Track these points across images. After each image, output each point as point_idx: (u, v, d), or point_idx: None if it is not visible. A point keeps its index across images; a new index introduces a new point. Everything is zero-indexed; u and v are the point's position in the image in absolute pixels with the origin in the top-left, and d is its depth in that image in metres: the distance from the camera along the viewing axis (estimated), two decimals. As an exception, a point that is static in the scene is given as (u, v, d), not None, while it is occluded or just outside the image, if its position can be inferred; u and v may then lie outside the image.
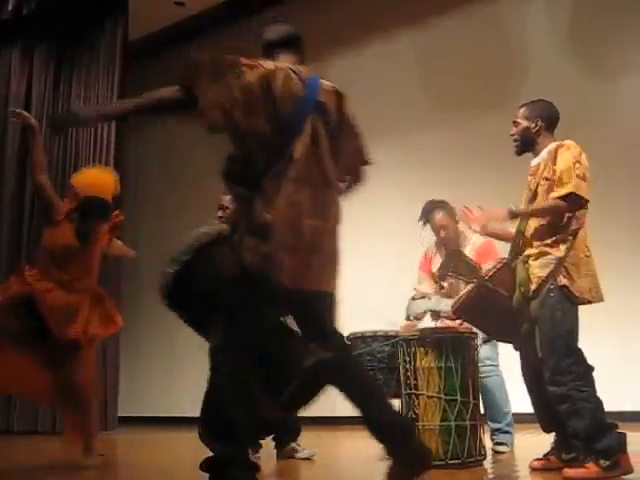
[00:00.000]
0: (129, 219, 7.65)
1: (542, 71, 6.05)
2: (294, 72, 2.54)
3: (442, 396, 3.63)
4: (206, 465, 2.48)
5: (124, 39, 7.75)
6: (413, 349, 3.75)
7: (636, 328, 5.63)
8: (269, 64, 2.52)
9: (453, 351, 3.64)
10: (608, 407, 3.08)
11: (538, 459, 3.44)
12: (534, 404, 3.47)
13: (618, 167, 5.82)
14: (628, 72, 6.14)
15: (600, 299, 3.21)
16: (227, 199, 4.59)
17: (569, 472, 3.06)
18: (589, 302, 3.17)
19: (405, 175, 6.62)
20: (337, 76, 7.73)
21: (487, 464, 3.72)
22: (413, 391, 3.72)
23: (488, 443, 3.98)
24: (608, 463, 2.96)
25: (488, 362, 4.17)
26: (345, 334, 4.17)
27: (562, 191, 3.16)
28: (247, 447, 2.54)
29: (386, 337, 4.04)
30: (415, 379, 3.72)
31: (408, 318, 4.22)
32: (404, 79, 6.95)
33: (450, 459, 3.56)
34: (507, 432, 4.20)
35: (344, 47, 7.63)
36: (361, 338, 4.10)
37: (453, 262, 3.77)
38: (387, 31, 7.31)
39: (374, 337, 4.07)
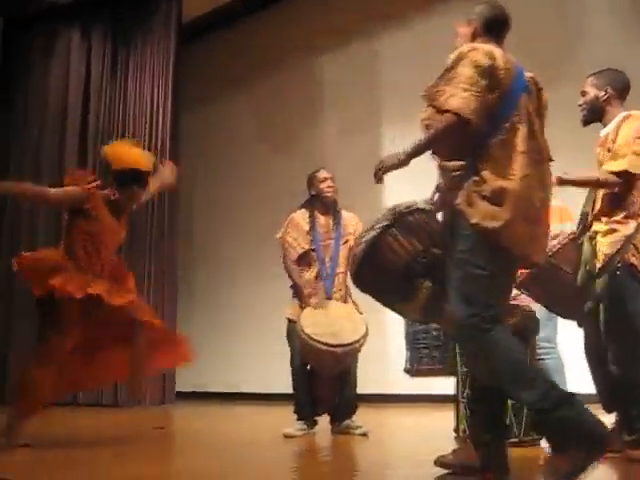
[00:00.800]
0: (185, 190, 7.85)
1: (603, 52, 5.88)
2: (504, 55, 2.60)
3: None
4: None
5: (178, 19, 7.87)
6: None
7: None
8: (489, 47, 2.58)
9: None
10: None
11: None
12: (597, 384, 3.39)
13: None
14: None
15: None
16: (329, 173, 4.63)
17: (634, 453, 2.99)
18: None
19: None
20: (393, 53, 7.76)
21: (544, 443, 3.68)
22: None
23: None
24: None
25: (547, 344, 4.10)
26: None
27: (614, 166, 3.06)
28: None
29: (442, 314, 4.00)
30: (471, 357, 3.68)
31: None
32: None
33: (507, 438, 3.52)
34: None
35: (395, 23, 7.55)
36: (417, 315, 4.06)
37: None
38: (439, 5, 7.20)
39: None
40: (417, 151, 2.55)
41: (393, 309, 2.83)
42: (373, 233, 2.61)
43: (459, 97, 2.42)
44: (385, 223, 2.61)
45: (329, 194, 4.63)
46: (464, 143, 2.51)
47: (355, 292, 4.57)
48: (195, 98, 8.76)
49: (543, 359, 4.07)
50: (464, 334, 2.46)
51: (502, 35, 2.75)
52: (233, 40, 8.89)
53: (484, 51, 2.52)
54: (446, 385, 4.14)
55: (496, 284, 2.46)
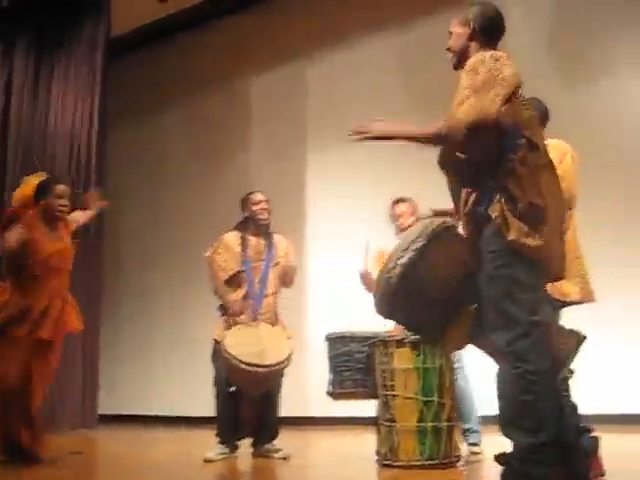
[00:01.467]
0: (111, 215, 7.71)
1: (522, 73, 6.06)
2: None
3: (419, 397, 3.64)
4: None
5: (106, 35, 7.72)
6: (391, 350, 3.76)
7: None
8: (500, 53, 2.52)
9: (430, 352, 3.65)
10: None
11: None
12: None
13: (598, 168, 5.87)
14: (608, 74, 6.17)
15: (591, 299, 3.18)
16: (263, 196, 4.64)
17: None
18: (579, 302, 3.15)
19: (394, 177, 6.60)
20: (319, 74, 7.83)
21: (461, 465, 3.73)
22: (390, 392, 3.73)
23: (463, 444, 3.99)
24: None
25: (457, 364, 4.17)
26: (323, 334, 4.23)
27: None
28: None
29: (364, 338, 4.03)
30: (392, 380, 3.73)
31: None
32: (388, 83, 6.96)
33: (426, 460, 3.57)
34: (477, 431, 4.21)
35: (327, 45, 7.64)
36: (340, 338, 4.08)
37: None
38: (369, 32, 7.33)
39: (352, 338, 4.06)
40: (419, 138, 2.50)
41: (429, 337, 2.76)
42: (409, 255, 2.43)
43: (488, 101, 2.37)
44: (422, 243, 2.44)
45: (263, 217, 4.62)
46: (488, 157, 2.45)
47: (284, 314, 4.61)
48: (123, 116, 8.64)
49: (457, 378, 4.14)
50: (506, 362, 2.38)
51: (500, 37, 2.71)
52: (162, 57, 8.83)
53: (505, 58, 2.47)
54: (368, 408, 4.16)
55: (538, 298, 2.43)
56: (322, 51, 7.68)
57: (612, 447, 3.14)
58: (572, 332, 2.62)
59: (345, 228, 6.53)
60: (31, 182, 4.52)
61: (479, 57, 2.50)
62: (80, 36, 7.72)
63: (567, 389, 2.59)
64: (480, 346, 2.73)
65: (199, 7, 8.28)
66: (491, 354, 2.61)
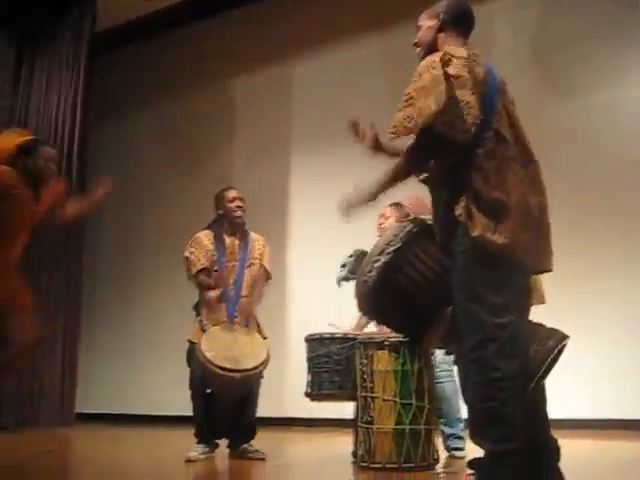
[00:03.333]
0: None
1: (508, 86, 6.10)
2: (473, 54, 2.49)
3: (397, 400, 3.64)
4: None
5: (91, 30, 7.65)
6: (370, 352, 3.75)
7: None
8: (461, 51, 2.46)
9: (410, 355, 3.65)
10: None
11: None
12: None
13: (584, 180, 5.93)
14: (592, 91, 6.24)
15: (542, 302, 3.09)
16: (238, 193, 4.57)
17: None
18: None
19: (372, 175, 6.61)
20: (304, 77, 7.86)
21: (439, 468, 3.74)
22: (369, 394, 3.72)
23: (441, 447, 4.00)
24: None
25: (446, 366, 4.18)
26: (302, 335, 4.23)
27: None
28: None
29: (344, 339, 4.02)
30: (371, 382, 3.72)
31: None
32: (372, 83, 6.98)
33: (404, 463, 3.57)
34: (461, 437, 4.23)
35: (312, 48, 7.66)
36: (319, 340, 4.08)
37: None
38: (354, 34, 7.35)
39: (332, 339, 4.05)
40: (392, 179, 2.51)
41: (408, 337, 2.74)
42: (384, 258, 2.43)
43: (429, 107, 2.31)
44: (398, 245, 2.44)
45: (237, 214, 4.55)
46: (448, 157, 2.43)
47: (259, 314, 4.59)
48: (106, 113, 8.59)
49: (442, 382, 4.16)
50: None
51: (470, 31, 2.66)
52: (147, 55, 8.79)
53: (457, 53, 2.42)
54: (345, 410, 4.17)
55: (506, 298, 2.33)
56: (308, 53, 7.69)
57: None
58: (552, 332, 2.52)
59: (328, 230, 6.53)
60: (12, 137, 4.03)
61: (428, 61, 2.44)
62: (64, 30, 7.65)
63: (542, 391, 2.55)
64: (454, 349, 2.74)
65: (186, 5, 8.24)
66: (457, 358, 2.60)
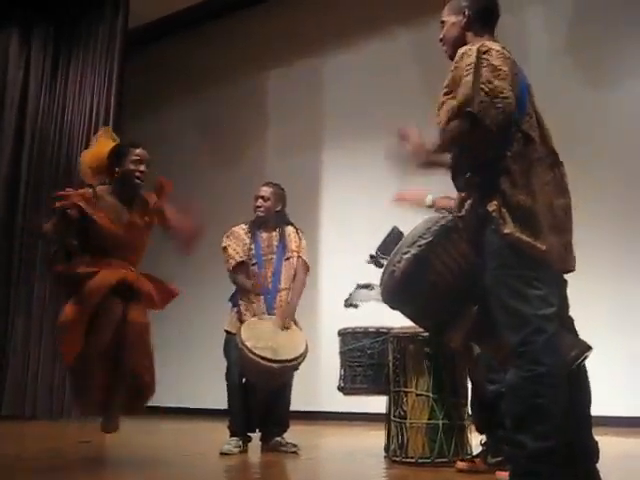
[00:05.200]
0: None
1: (540, 82, 6.03)
2: (507, 51, 2.47)
3: (430, 394, 3.63)
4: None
5: (124, 26, 7.72)
6: (403, 346, 3.75)
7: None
8: (495, 44, 2.43)
9: (444, 350, 3.63)
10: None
11: (463, 460, 3.45)
12: (471, 403, 3.58)
13: (617, 177, 5.84)
14: (625, 80, 6.14)
15: None
16: (265, 190, 4.58)
17: (501, 475, 3.00)
18: None
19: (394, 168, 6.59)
20: (336, 70, 7.84)
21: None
22: (402, 388, 3.72)
23: (475, 442, 3.97)
24: None
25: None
26: (334, 328, 4.23)
27: None
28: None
29: (377, 333, 4.02)
30: (404, 376, 3.72)
31: (350, 304, 4.18)
32: (404, 78, 6.94)
33: (437, 458, 3.56)
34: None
35: (344, 42, 7.63)
36: (352, 334, 4.08)
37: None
38: (386, 28, 7.31)
39: (365, 333, 4.05)
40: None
41: (432, 332, 2.73)
42: (415, 250, 2.41)
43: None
44: (429, 239, 2.42)
45: (259, 213, 4.56)
46: (472, 157, 2.44)
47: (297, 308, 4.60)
48: (139, 107, 8.66)
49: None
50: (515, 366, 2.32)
51: (496, 21, 2.62)
52: (179, 50, 8.85)
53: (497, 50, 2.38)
54: (376, 404, 4.16)
55: (546, 291, 2.33)
56: (340, 47, 7.67)
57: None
58: (576, 342, 2.49)
59: (360, 222, 6.53)
60: (106, 143, 3.92)
61: (464, 49, 2.42)
62: (98, 26, 7.74)
63: (586, 391, 2.52)
64: (483, 347, 2.72)
65: (216, 1, 8.28)
66: (496, 355, 2.58)
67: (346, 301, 4.13)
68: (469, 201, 2.47)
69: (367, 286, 4.06)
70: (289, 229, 4.63)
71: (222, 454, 4.17)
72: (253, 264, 4.48)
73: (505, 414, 2.38)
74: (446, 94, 2.43)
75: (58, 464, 3.80)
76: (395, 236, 3.83)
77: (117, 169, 3.77)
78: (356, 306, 4.10)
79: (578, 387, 2.46)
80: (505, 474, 2.85)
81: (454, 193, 2.63)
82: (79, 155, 7.30)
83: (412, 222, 2.58)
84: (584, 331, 2.54)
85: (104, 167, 3.85)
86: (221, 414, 4.59)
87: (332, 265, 7.01)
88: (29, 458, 4.04)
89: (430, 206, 3.11)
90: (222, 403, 4.48)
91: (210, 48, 8.56)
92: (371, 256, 4.01)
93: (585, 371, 2.52)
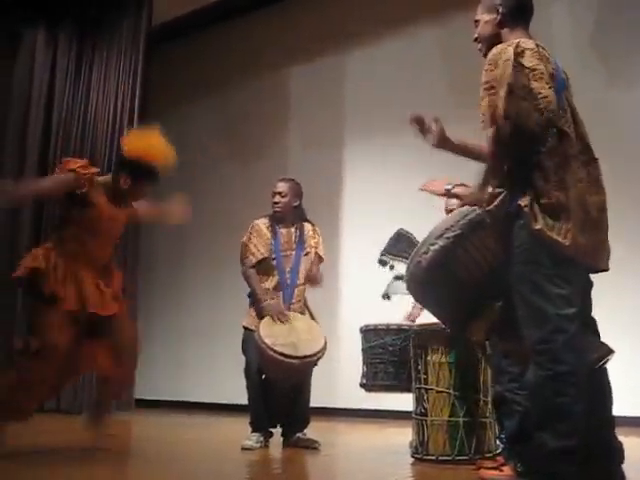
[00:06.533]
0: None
1: (565, 69, 5.99)
2: (542, 47, 2.48)
3: (452, 392, 3.62)
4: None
5: (148, 23, 7.78)
6: (424, 343, 3.74)
7: None
8: (530, 42, 2.45)
9: (466, 347, 3.62)
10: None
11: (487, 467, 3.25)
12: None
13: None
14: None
15: None
16: (282, 185, 4.60)
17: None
18: None
19: (427, 169, 6.55)
20: (359, 67, 7.81)
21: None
22: (423, 385, 3.72)
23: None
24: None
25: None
26: (354, 325, 4.23)
27: None
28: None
29: (399, 330, 4.02)
30: (426, 373, 3.72)
31: (386, 296, 4.17)
32: (428, 75, 6.91)
33: (457, 455, 3.55)
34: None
35: (367, 38, 7.61)
36: (374, 330, 4.08)
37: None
38: (410, 24, 7.28)
39: (387, 330, 4.05)
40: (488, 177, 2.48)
41: (452, 326, 2.73)
42: (442, 242, 2.44)
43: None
44: (457, 232, 2.44)
45: (277, 209, 4.57)
46: (517, 152, 2.41)
47: (312, 304, 4.61)
48: (163, 103, 8.70)
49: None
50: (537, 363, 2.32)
51: (530, 19, 2.62)
52: (201, 45, 8.88)
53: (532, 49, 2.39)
54: (400, 401, 4.16)
55: (571, 291, 2.33)
56: (363, 43, 7.65)
57: None
58: (599, 345, 2.49)
59: (382, 218, 6.50)
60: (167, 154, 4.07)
61: (500, 49, 2.43)
62: (123, 22, 7.78)
63: (608, 390, 2.50)
64: (504, 342, 2.71)
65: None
66: (516, 351, 2.57)
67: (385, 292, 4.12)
68: (500, 197, 2.46)
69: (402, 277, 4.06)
70: (307, 226, 4.65)
71: (243, 449, 4.19)
72: (272, 259, 4.50)
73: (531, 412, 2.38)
74: (486, 89, 2.40)
75: (85, 456, 3.85)
76: (402, 238, 3.85)
77: (130, 181, 3.86)
78: (389, 298, 4.10)
79: (599, 387, 2.45)
80: (493, 473, 2.84)
81: (471, 182, 2.62)
82: (102, 153, 7.43)
83: (424, 220, 2.58)
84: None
85: (135, 164, 3.87)
86: (241, 409, 4.61)
87: (352, 261, 7.00)
88: (62, 450, 4.10)
89: (447, 190, 3.09)
90: (242, 398, 4.50)
91: (232, 45, 8.58)
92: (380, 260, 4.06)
93: (606, 371, 2.51)
